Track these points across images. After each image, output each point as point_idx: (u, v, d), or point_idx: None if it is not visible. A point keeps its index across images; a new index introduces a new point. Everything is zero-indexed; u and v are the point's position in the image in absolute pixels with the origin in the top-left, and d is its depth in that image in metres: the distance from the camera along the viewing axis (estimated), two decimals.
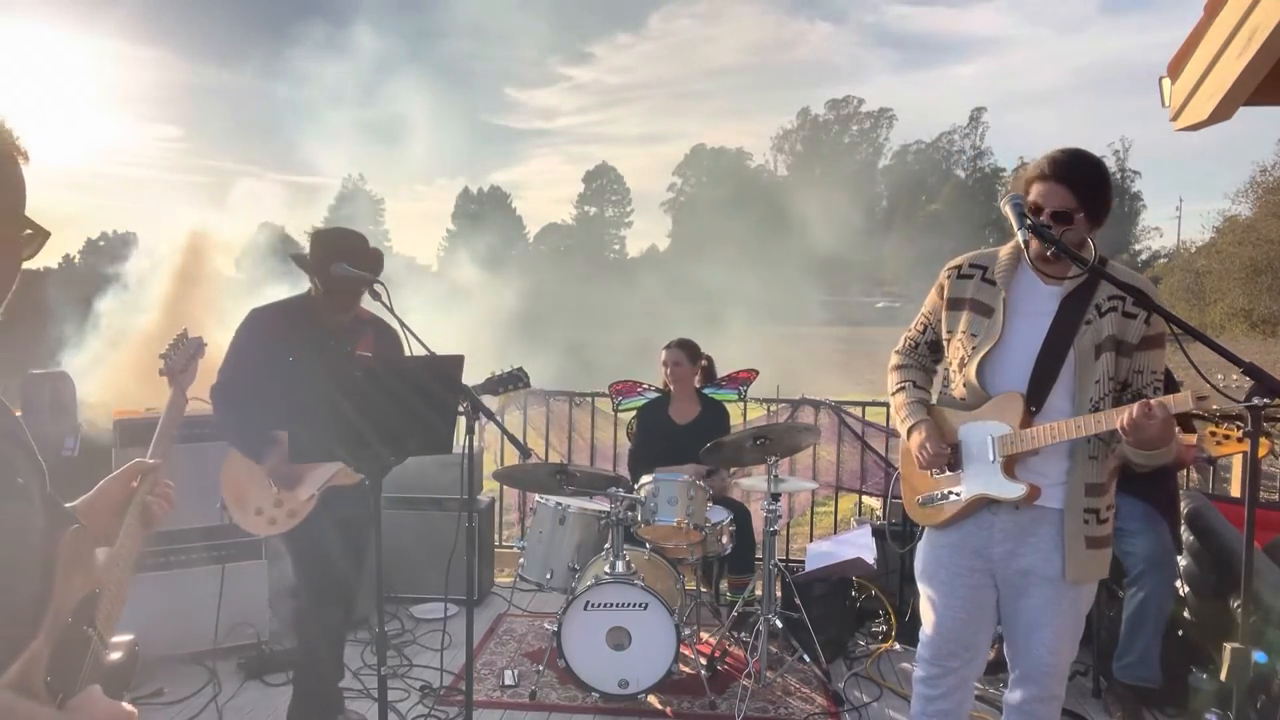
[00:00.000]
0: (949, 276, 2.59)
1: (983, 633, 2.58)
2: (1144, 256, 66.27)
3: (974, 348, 2.49)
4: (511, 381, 3.56)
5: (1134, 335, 2.37)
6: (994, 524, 2.48)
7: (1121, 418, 2.20)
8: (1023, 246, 2.29)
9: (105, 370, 4.72)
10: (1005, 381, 2.45)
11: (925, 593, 2.62)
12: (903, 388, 2.69)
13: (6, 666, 1.15)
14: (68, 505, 1.49)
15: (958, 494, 2.52)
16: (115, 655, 1.47)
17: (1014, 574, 2.47)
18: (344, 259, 3.06)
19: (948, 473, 2.54)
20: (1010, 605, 2.51)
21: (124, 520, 1.57)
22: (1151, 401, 2.18)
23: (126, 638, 1.54)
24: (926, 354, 2.72)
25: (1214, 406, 2.11)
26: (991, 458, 2.44)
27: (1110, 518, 2.46)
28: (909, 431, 2.60)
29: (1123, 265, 2.42)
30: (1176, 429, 2.30)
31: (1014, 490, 2.42)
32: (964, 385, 2.52)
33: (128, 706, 1.33)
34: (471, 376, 3.11)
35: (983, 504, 2.48)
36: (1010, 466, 2.43)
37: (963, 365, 2.52)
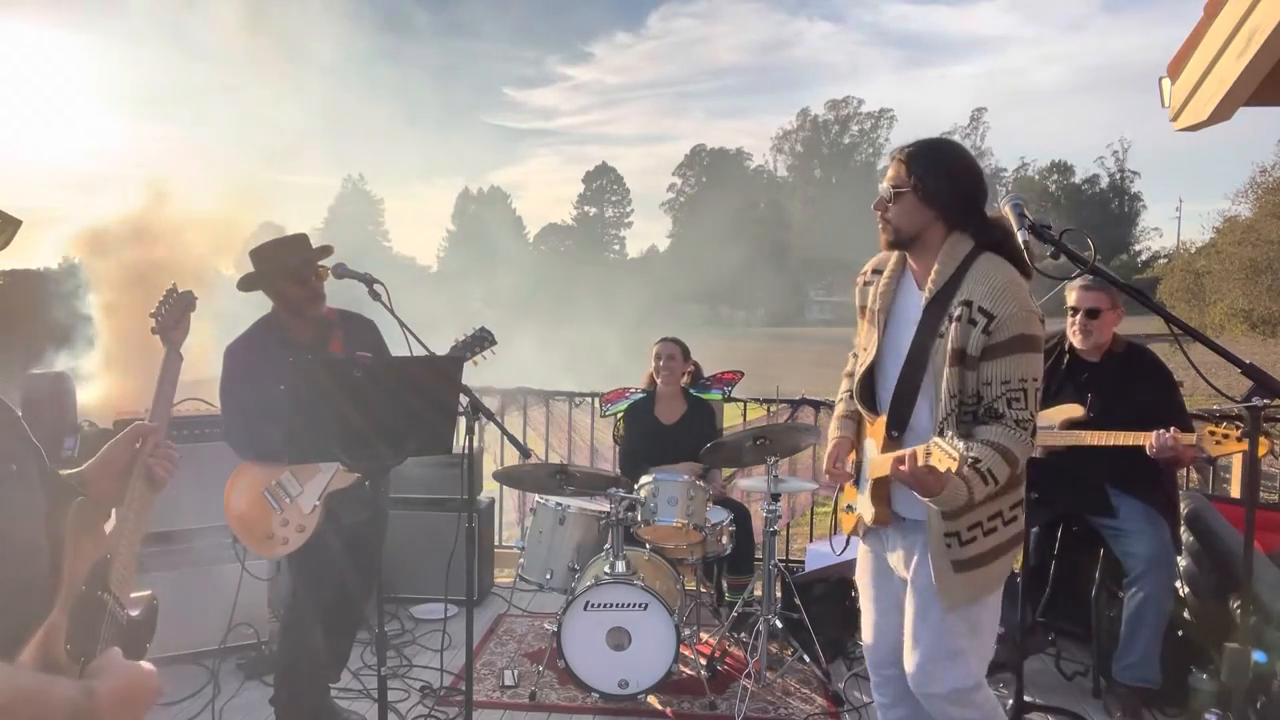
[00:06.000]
0: (858, 283, 2.51)
1: None
2: (1144, 257, 66.27)
3: (859, 364, 2.45)
4: (478, 343, 3.42)
5: (975, 345, 2.17)
6: (886, 534, 2.45)
7: (898, 468, 2.11)
8: (1022, 247, 2.23)
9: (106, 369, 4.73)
10: (881, 400, 2.39)
11: (861, 599, 2.61)
12: (841, 399, 2.64)
13: (19, 643, 1.18)
14: (75, 470, 1.53)
15: (855, 508, 2.53)
16: (134, 612, 1.50)
17: (917, 582, 2.38)
18: (285, 250, 3.17)
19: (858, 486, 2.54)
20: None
21: (130, 483, 1.59)
22: (901, 455, 2.10)
23: (145, 593, 1.56)
24: None
25: (944, 458, 1.97)
26: (866, 478, 2.44)
27: (977, 535, 2.24)
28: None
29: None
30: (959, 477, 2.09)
31: (868, 513, 2.41)
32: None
33: (146, 665, 1.35)
34: (438, 348, 3.11)
35: (882, 523, 2.44)
36: (879, 488, 2.37)
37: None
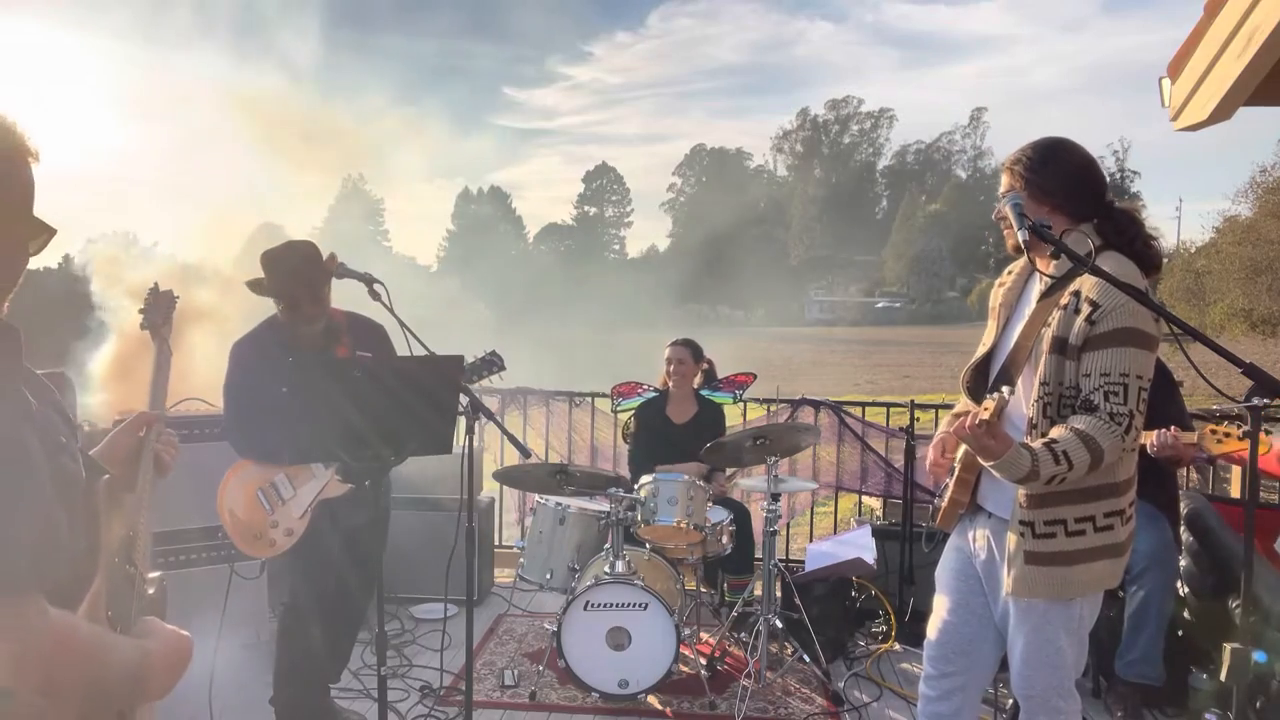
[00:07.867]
0: (994, 286, 2.56)
1: (980, 644, 2.46)
2: None
3: (974, 356, 2.47)
4: (486, 367, 3.43)
5: (1078, 335, 2.15)
6: (973, 531, 2.44)
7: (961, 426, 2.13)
8: (1023, 247, 2.24)
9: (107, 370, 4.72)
10: (986, 390, 2.38)
11: (936, 596, 2.60)
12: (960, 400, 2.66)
13: (79, 602, 1.27)
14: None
15: (942, 499, 2.53)
16: (150, 590, 1.63)
17: (993, 585, 2.39)
18: (283, 270, 3.15)
19: None
20: (1000, 618, 2.42)
21: (138, 468, 1.71)
22: (967, 420, 2.11)
23: (155, 574, 1.70)
24: None
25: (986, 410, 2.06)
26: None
27: (1057, 532, 2.21)
28: None
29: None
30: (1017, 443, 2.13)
31: (946, 496, 2.41)
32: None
33: (184, 632, 1.43)
34: (438, 350, 3.11)
35: (959, 508, 2.44)
36: (965, 474, 2.37)
37: None
